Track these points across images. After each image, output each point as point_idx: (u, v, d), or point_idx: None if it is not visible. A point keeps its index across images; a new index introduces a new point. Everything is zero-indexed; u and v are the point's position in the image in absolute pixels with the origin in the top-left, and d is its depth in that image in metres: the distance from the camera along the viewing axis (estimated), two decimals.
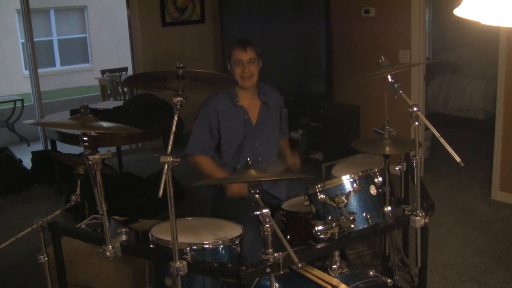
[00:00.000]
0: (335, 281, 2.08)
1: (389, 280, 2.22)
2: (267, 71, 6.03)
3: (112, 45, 12.47)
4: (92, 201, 2.12)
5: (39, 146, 6.64)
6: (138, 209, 4.16)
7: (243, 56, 2.95)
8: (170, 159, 1.78)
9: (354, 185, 2.19)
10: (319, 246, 2.08)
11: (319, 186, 2.18)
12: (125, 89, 7.59)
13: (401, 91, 2.30)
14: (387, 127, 2.57)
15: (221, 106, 2.97)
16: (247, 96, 3.03)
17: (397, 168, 2.79)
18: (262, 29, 5.87)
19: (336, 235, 2.09)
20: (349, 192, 2.18)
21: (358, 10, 5.23)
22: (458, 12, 1.00)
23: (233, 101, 2.98)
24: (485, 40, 6.31)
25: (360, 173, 2.22)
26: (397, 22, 4.92)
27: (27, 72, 8.92)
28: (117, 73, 8.31)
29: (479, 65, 7.25)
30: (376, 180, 2.26)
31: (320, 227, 2.07)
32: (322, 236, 2.08)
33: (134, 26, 6.18)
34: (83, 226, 2.88)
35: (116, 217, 2.92)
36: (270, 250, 1.88)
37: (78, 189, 2.46)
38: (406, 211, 2.29)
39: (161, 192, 1.76)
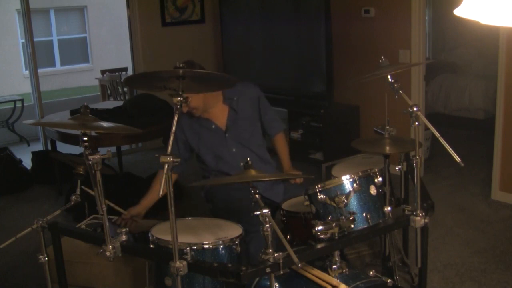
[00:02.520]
0: (335, 281, 2.08)
1: (389, 280, 2.21)
2: (267, 71, 6.07)
3: (112, 45, 12.47)
4: (92, 201, 2.12)
5: (39, 146, 6.64)
6: None
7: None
8: (170, 159, 1.78)
9: (354, 185, 2.19)
10: (319, 246, 2.08)
11: (319, 186, 2.18)
12: (125, 89, 7.59)
13: (401, 91, 2.30)
14: (387, 127, 2.57)
15: (186, 121, 2.93)
16: (208, 107, 2.93)
17: (397, 168, 2.79)
18: (262, 29, 5.87)
19: (336, 235, 2.09)
20: (349, 192, 2.18)
21: (358, 10, 5.23)
22: (458, 12, 1.00)
23: (192, 113, 2.91)
24: (485, 40, 6.32)
25: (360, 173, 2.22)
26: (397, 22, 4.92)
27: (27, 72, 8.92)
28: (117, 73, 8.31)
29: (479, 65, 7.25)
30: (376, 180, 2.25)
31: (320, 227, 2.07)
32: (322, 236, 2.08)
33: (134, 26, 6.18)
34: (83, 226, 2.88)
35: (113, 217, 2.92)
36: (270, 250, 1.88)
37: (78, 189, 2.46)
38: (406, 211, 2.29)
39: (161, 192, 1.76)
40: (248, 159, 2.07)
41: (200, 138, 2.95)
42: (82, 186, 2.54)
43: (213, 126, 2.95)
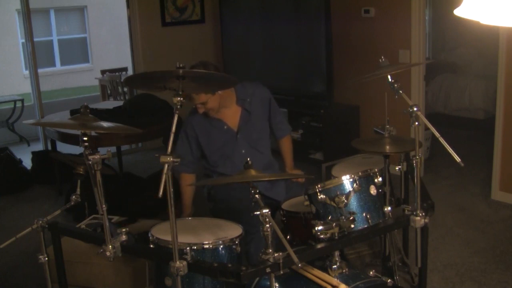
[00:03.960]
0: (335, 281, 2.08)
1: (389, 280, 2.21)
2: (267, 71, 6.07)
3: (112, 45, 12.47)
4: (92, 201, 2.12)
5: (39, 146, 6.64)
6: (138, 209, 4.16)
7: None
8: (170, 159, 1.78)
9: (354, 185, 2.19)
10: (319, 246, 2.08)
11: (319, 186, 2.18)
12: (125, 89, 7.59)
13: (401, 91, 2.30)
14: (387, 127, 2.57)
15: (198, 121, 2.93)
16: (222, 107, 2.94)
17: (397, 168, 2.79)
18: (262, 29, 5.87)
19: (336, 235, 2.09)
20: (349, 192, 2.18)
21: (358, 10, 5.23)
22: (458, 12, 1.00)
23: (208, 114, 2.92)
24: (485, 40, 6.32)
25: (360, 173, 2.22)
26: (397, 22, 4.92)
27: (27, 72, 8.93)
28: (117, 73, 8.32)
29: (479, 65, 7.25)
30: (376, 180, 2.25)
31: (320, 227, 2.07)
32: (322, 236, 2.08)
33: (134, 26, 6.18)
34: (83, 226, 2.88)
35: (113, 217, 2.92)
36: (270, 250, 1.88)
37: (78, 189, 2.45)
38: (406, 211, 2.29)
39: (161, 192, 1.76)
40: (248, 159, 2.08)
41: (209, 137, 2.95)
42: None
43: (225, 127, 2.95)
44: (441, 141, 2.18)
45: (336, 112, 5.45)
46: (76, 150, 4.55)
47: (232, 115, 2.97)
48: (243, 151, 2.96)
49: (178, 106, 1.89)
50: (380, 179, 2.26)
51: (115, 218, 3.17)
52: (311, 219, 2.22)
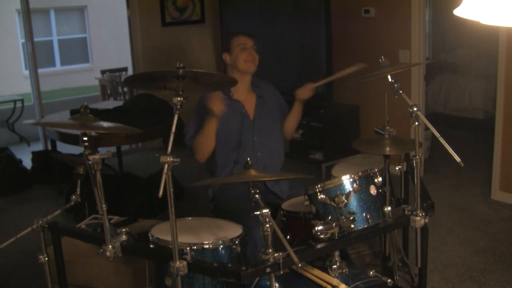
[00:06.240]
0: (335, 281, 2.08)
1: (389, 280, 2.21)
2: (267, 71, 6.04)
3: (112, 45, 12.46)
4: (92, 201, 2.12)
5: (39, 146, 6.64)
6: (138, 209, 4.16)
7: (248, 42, 2.94)
8: (170, 159, 1.78)
9: (354, 185, 2.19)
10: (319, 246, 2.08)
11: (319, 186, 2.18)
12: (125, 89, 7.59)
13: (401, 91, 2.30)
14: (387, 127, 2.57)
15: None
16: (241, 90, 2.98)
17: (397, 168, 2.79)
18: (262, 29, 5.87)
19: (336, 235, 2.09)
20: (349, 192, 2.18)
21: (358, 10, 5.23)
22: (458, 12, 1.00)
23: (227, 94, 2.94)
24: (485, 40, 6.32)
25: (360, 173, 2.22)
26: (397, 22, 4.92)
27: (27, 72, 8.91)
28: (117, 73, 8.32)
29: (479, 65, 7.25)
30: (376, 180, 2.25)
31: (320, 227, 2.07)
32: (322, 236, 2.08)
33: (134, 26, 6.18)
34: (83, 226, 2.88)
35: (113, 217, 2.92)
36: (270, 250, 1.88)
37: (78, 189, 2.45)
38: (406, 211, 2.29)
39: (161, 192, 1.76)
40: (248, 159, 2.08)
41: (226, 119, 2.89)
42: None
43: (243, 111, 2.98)
44: (441, 141, 2.18)
45: (336, 112, 5.44)
46: (76, 150, 4.55)
47: (249, 101, 3.02)
48: (255, 139, 2.98)
49: (178, 106, 1.90)
50: (380, 179, 2.26)
51: (115, 218, 3.17)
52: (311, 219, 2.22)
